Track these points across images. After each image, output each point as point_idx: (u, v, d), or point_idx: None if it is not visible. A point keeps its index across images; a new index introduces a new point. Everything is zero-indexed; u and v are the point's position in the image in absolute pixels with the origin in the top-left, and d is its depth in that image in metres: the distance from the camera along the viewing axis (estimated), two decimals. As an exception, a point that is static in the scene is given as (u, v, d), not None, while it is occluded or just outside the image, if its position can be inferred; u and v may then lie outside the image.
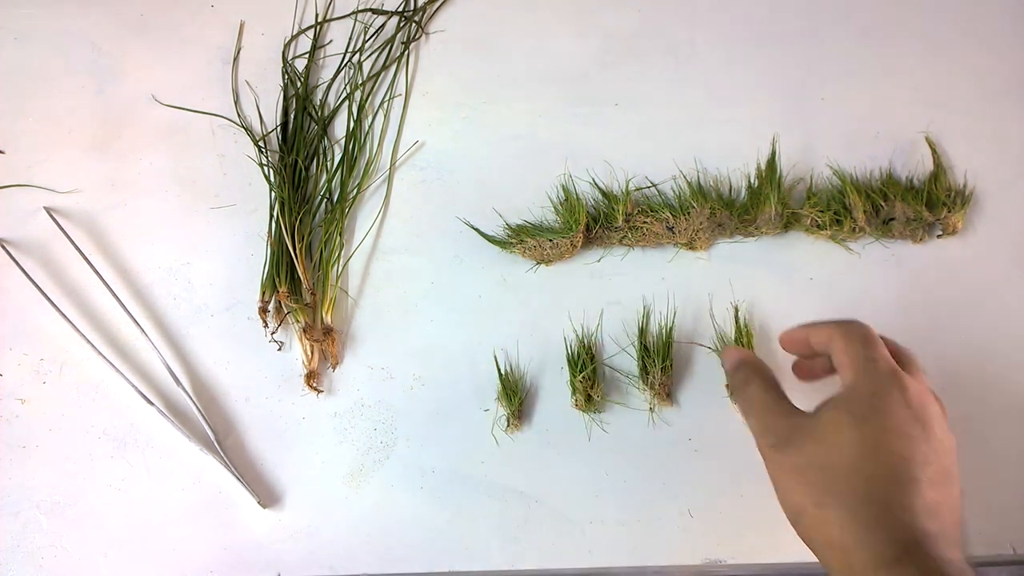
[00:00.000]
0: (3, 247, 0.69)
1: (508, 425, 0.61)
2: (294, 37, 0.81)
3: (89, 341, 0.64)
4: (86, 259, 0.67)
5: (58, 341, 0.66)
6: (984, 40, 0.77)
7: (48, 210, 0.71)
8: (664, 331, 0.63)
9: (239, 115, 0.76)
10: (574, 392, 0.62)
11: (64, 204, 0.72)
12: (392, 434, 0.62)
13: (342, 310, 0.67)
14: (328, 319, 0.65)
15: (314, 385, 0.63)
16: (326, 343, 0.64)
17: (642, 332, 0.64)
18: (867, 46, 0.77)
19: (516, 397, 0.61)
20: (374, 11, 0.82)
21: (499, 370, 0.63)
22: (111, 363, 0.64)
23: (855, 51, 0.77)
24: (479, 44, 0.80)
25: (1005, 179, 0.70)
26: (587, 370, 0.61)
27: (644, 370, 0.62)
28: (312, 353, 0.64)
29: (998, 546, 0.58)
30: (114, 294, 0.66)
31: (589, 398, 0.61)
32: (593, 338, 0.64)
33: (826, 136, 0.73)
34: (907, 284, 0.67)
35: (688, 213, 0.66)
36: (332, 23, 0.82)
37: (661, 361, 0.61)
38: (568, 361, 0.63)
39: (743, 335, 0.63)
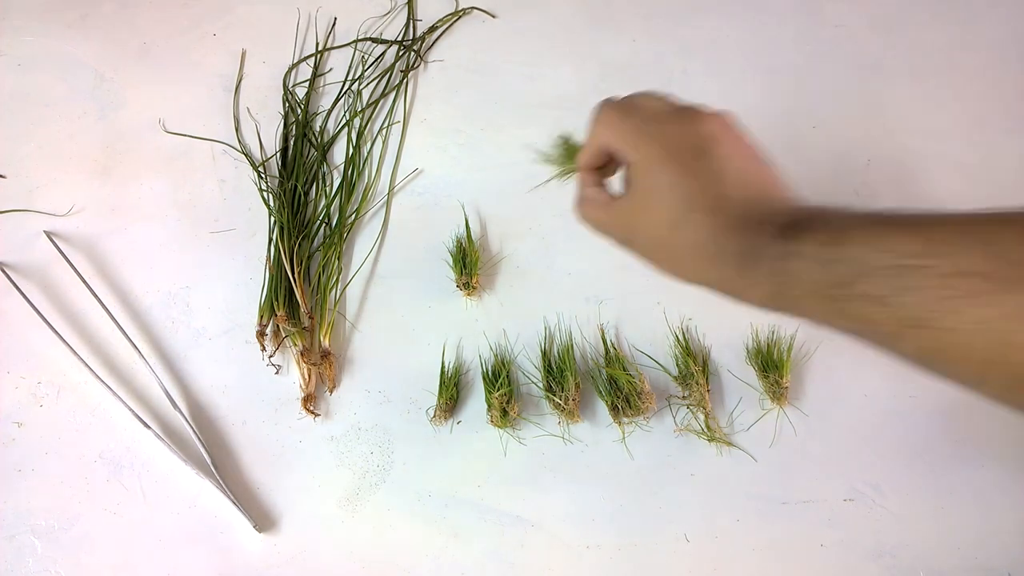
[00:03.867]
0: (3, 271, 0.69)
1: (435, 416, 0.63)
2: (295, 65, 0.82)
3: (87, 364, 0.64)
4: (85, 283, 0.68)
5: (56, 364, 0.66)
6: (973, 70, 0.79)
7: (48, 234, 0.71)
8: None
9: (240, 141, 0.77)
10: (490, 408, 0.62)
11: (64, 228, 0.72)
12: (389, 458, 0.62)
13: (340, 334, 0.68)
14: (326, 343, 0.66)
15: (311, 409, 0.63)
16: (323, 367, 0.65)
17: (552, 355, 0.65)
18: (858, 76, 0.79)
19: (448, 391, 0.63)
20: (374, 40, 0.83)
21: (443, 365, 0.65)
22: (108, 386, 0.64)
23: (846, 80, 0.79)
24: (476, 72, 0.81)
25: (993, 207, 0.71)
26: (503, 388, 0.62)
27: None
28: (309, 377, 0.64)
29: (995, 572, 0.58)
30: (112, 317, 0.66)
31: (505, 413, 0.62)
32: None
33: (817, 163, 0.74)
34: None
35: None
36: (332, 51, 0.83)
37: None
38: (484, 378, 0.64)
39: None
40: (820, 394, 0.64)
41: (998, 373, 0.32)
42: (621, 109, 0.46)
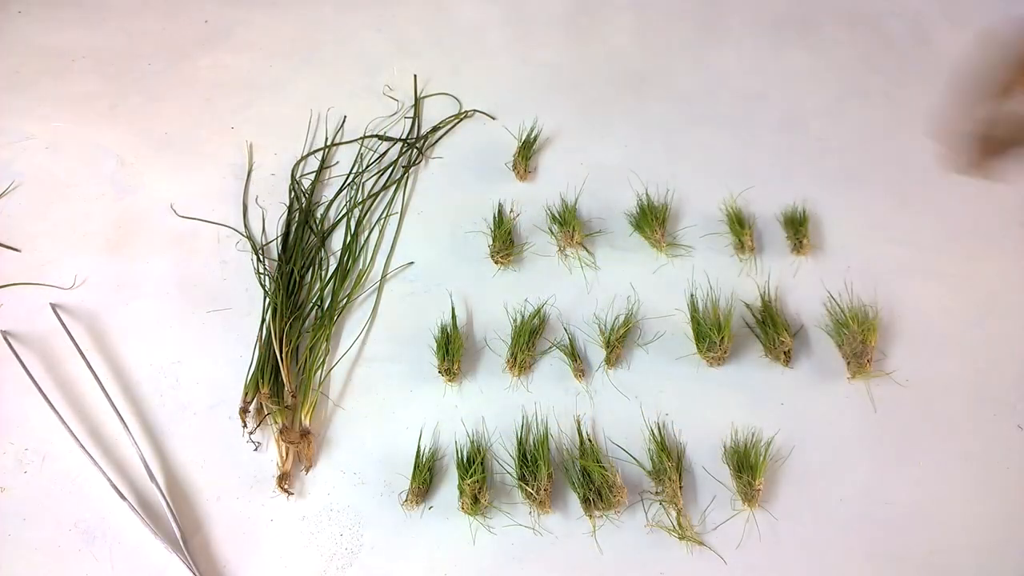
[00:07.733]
0: (4, 338, 0.72)
1: (407, 499, 0.63)
2: (304, 158, 0.87)
3: (72, 433, 0.66)
4: (81, 354, 0.70)
5: (44, 431, 0.67)
6: (950, 183, 0.81)
7: (53, 306, 0.74)
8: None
9: (246, 226, 0.81)
10: (461, 494, 0.62)
11: (70, 301, 0.75)
12: (358, 541, 0.62)
13: (321, 413, 0.69)
14: (307, 422, 0.67)
15: (285, 487, 0.64)
16: (302, 445, 0.66)
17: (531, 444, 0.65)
18: (839, 187, 0.82)
19: (421, 475, 0.64)
20: (381, 138, 0.88)
21: (419, 449, 0.65)
22: (90, 455, 0.65)
23: (826, 190, 0.82)
24: (473, 170, 0.85)
25: (969, 319, 0.73)
26: (476, 476, 0.62)
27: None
28: (287, 455, 0.65)
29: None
30: (103, 388, 0.68)
31: (476, 500, 0.62)
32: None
33: (806, 286, 0.76)
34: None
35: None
36: (340, 146, 0.88)
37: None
38: (458, 465, 0.64)
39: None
40: (792, 498, 0.63)
41: None
42: None
